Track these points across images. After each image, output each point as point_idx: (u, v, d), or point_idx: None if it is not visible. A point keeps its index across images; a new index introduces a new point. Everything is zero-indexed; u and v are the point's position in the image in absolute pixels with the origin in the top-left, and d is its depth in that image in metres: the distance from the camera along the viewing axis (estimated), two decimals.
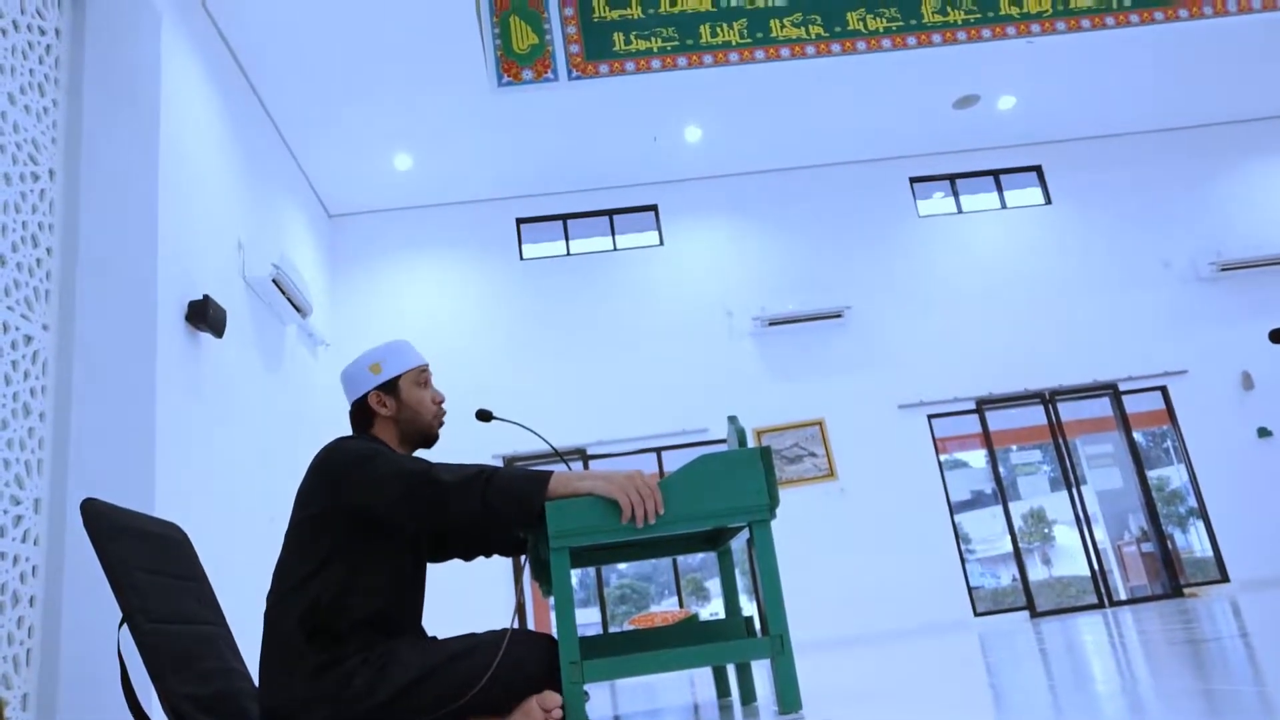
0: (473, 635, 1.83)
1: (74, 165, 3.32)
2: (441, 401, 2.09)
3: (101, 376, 3.26)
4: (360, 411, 2.06)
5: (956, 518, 8.83)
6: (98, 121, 3.46)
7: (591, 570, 8.86)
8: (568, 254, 9.52)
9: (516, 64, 6.33)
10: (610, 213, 9.65)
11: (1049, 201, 9.86)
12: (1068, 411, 9.28)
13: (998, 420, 9.37)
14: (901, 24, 6.44)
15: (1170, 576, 8.86)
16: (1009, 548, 9.01)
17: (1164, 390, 9.17)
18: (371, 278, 9.11)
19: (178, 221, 5.09)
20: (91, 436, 3.14)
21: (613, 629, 9.02)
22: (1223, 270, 9.27)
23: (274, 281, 6.42)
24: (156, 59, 4.13)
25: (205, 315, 5.15)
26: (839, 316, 9.06)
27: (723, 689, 2.47)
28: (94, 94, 3.46)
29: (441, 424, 2.08)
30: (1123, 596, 9.35)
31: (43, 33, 3.31)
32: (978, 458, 10.96)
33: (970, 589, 8.50)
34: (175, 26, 5.42)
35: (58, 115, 3.33)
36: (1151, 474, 9.77)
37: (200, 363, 5.29)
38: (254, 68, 6.81)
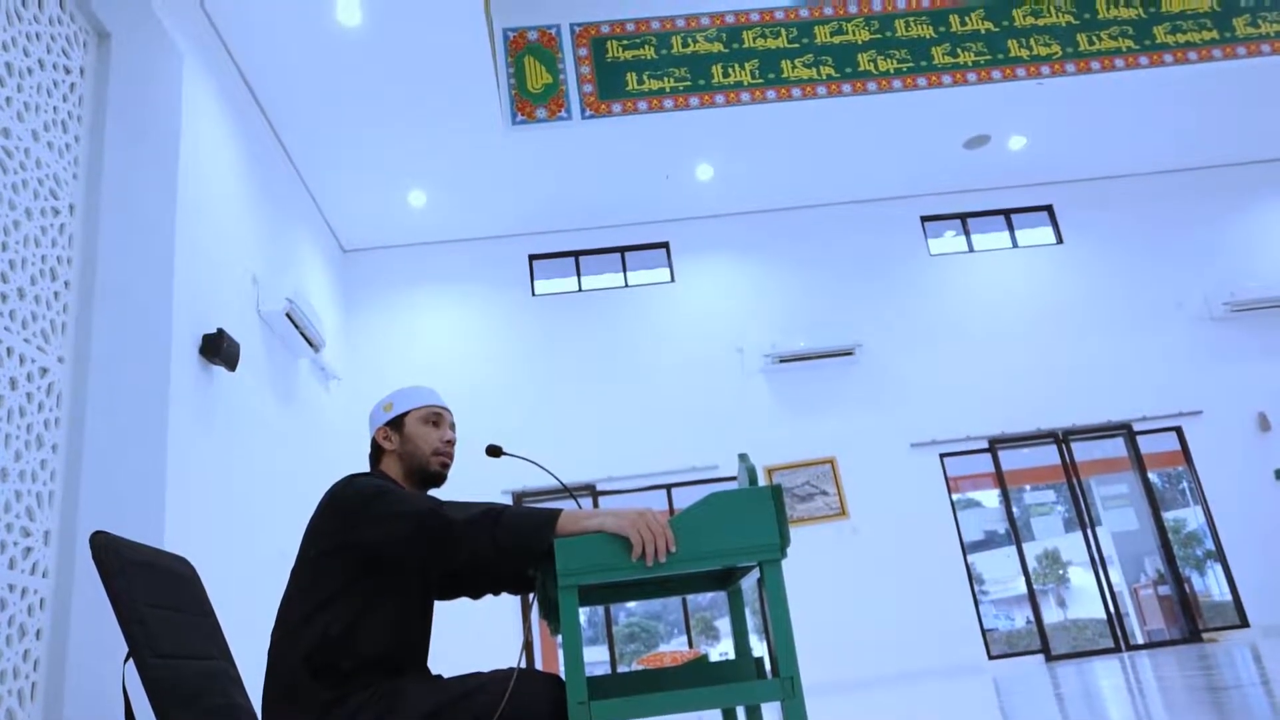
0: (479, 674, 1.80)
1: (94, 200, 3.36)
2: (449, 442, 2.10)
3: (114, 409, 3.27)
4: (373, 448, 2.10)
5: (969, 558, 8.73)
6: (118, 158, 3.51)
7: (600, 609, 8.79)
8: (579, 290, 9.57)
9: (530, 103, 6.42)
10: (622, 250, 9.71)
11: (1060, 241, 9.87)
12: (1081, 451, 9.20)
13: (1011, 460, 9.30)
14: (912, 65, 6.51)
15: (1188, 621, 8.71)
16: (1023, 589, 8.90)
17: (1179, 431, 9.09)
18: (384, 313, 9.16)
19: (194, 255, 5.15)
20: (103, 469, 3.14)
21: (621, 668, 8.92)
22: (1236, 310, 9.23)
23: (287, 315, 6.47)
24: (178, 98, 4.20)
25: (219, 349, 5.18)
26: (850, 354, 9.05)
27: None
28: (115, 131, 3.52)
29: (445, 464, 2.08)
30: (1139, 640, 9.20)
31: (68, 71, 3.38)
32: (991, 497, 10.87)
33: (984, 631, 8.37)
34: (197, 66, 5.53)
35: (79, 151, 3.39)
36: (1167, 515, 9.66)
37: (213, 396, 5.31)
38: (272, 105, 6.93)
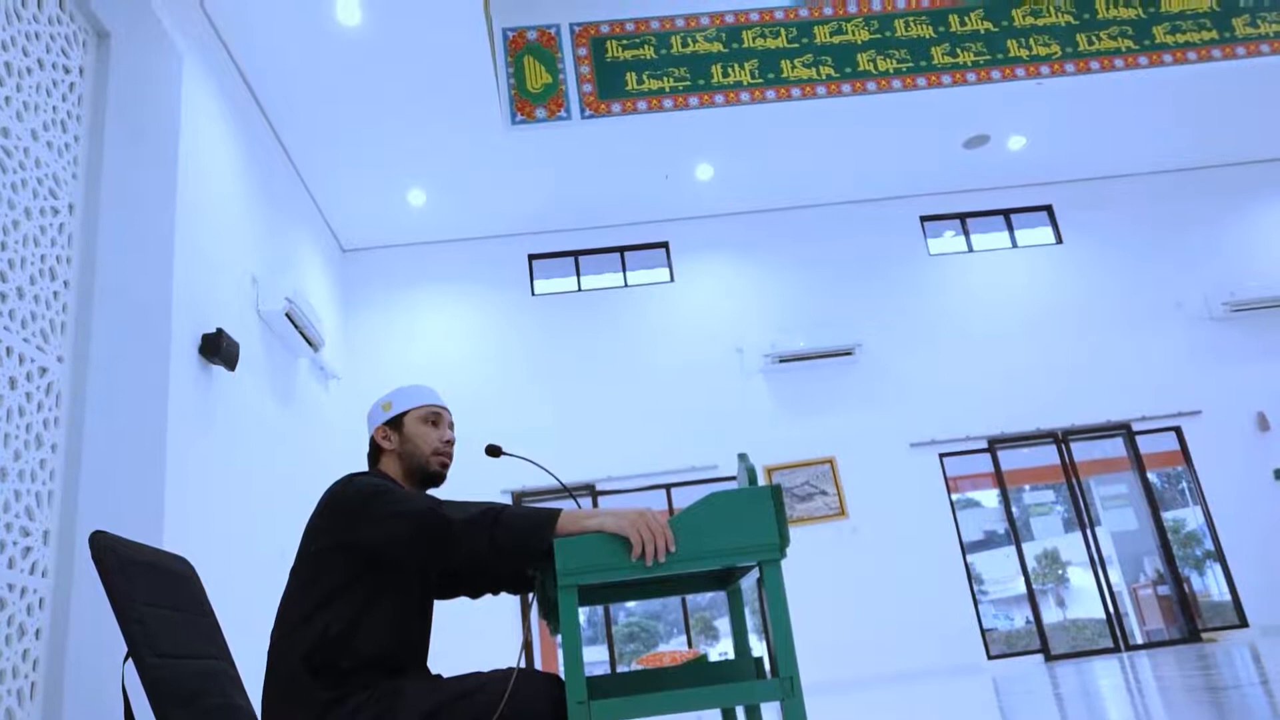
0: (479, 674, 1.80)
1: (93, 200, 3.36)
2: (449, 442, 2.09)
3: (114, 409, 3.27)
4: (372, 447, 2.10)
5: (969, 558, 8.73)
6: (118, 157, 3.51)
7: (600, 608, 8.79)
8: (579, 290, 9.57)
9: (530, 103, 6.42)
10: (622, 249, 9.70)
11: (1060, 241, 9.87)
12: (1081, 451, 9.21)
13: (1010, 460, 9.30)
14: (911, 65, 6.51)
15: (1187, 620, 8.71)
16: (1022, 589, 8.90)
17: (1178, 431, 9.09)
18: (383, 312, 9.16)
19: (193, 255, 5.15)
20: (102, 469, 3.14)
21: (620, 668, 8.92)
22: (1235, 310, 9.23)
23: (287, 315, 6.47)
24: (177, 97, 4.20)
25: (218, 348, 5.18)
26: (850, 354, 9.04)
27: None
28: (115, 130, 3.51)
29: (444, 464, 2.08)
30: (1139, 640, 9.20)
31: (67, 71, 3.38)
32: (990, 497, 10.86)
33: (983, 631, 8.37)
34: (197, 66, 5.53)
35: (79, 151, 3.39)
36: (1167, 515, 9.66)
37: (212, 395, 5.31)
38: (271, 105, 6.93)
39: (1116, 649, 8.56)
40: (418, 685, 1.79)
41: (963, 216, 9.99)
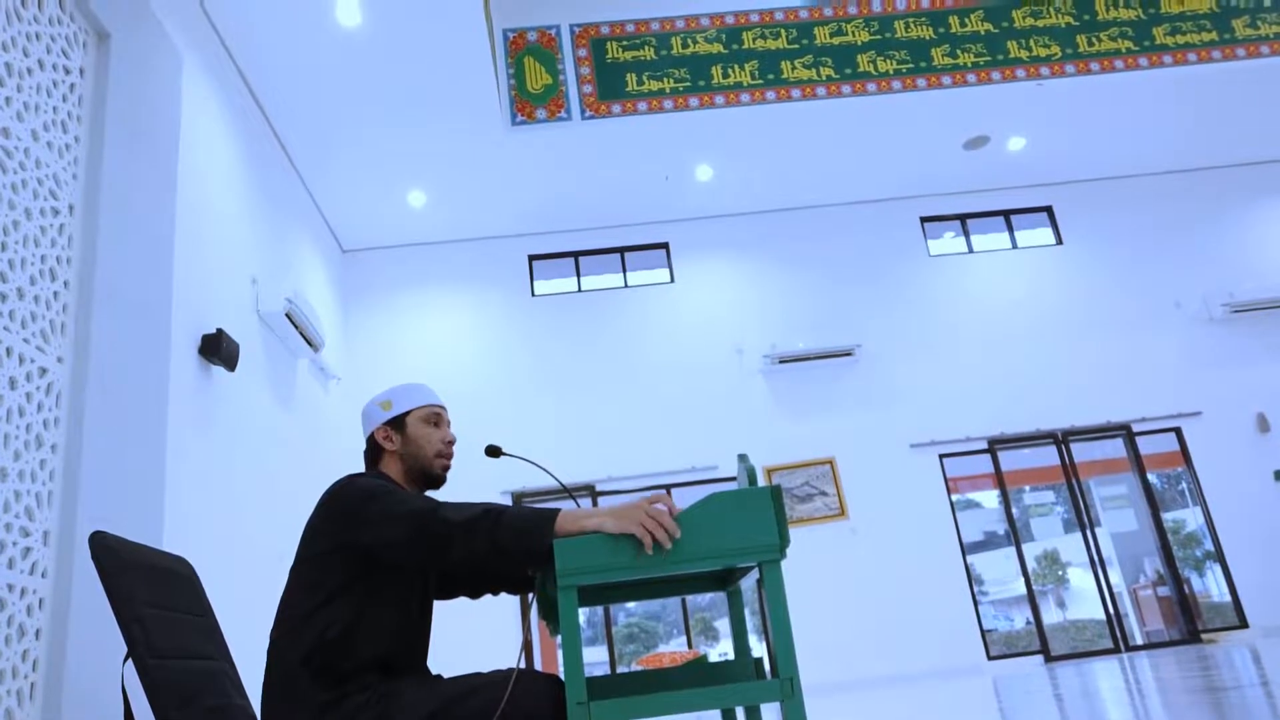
0: (478, 675, 1.80)
1: (93, 200, 3.36)
2: (450, 443, 2.09)
3: (114, 409, 3.27)
4: (370, 447, 2.08)
5: (969, 559, 8.73)
6: (118, 158, 3.51)
7: (600, 609, 8.79)
8: (579, 291, 9.57)
9: (530, 103, 6.42)
10: (622, 250, 9.71)
11: (1060, 242, 9.88)
12: (1081, 452, 9.20)
13: (1010, 460, 9.30)
14: (911, 66, 6.52)
15: (1188, 621, 8.71)
16: (1022, 590, 8.89)
17: (1178, 431, 9.09)
18: (384, 313, 9.16)
19: (193, 256, 5.15)
20: (102, 469, 3.14)
21: (620, 669, 8.91)
22: (1235, 311, 9.23)
23: (287, 315, 6.47)
24: (177, 98, 4.20)
25: (218, 349, 5.18)
26: (850, 355, 9.05)
27: None
28: (115, 131, 3.51)
29: (446, 466, 2.08)
30: (1139, 641, 9.20)
31: (67, 71, 3.38)
32: (990, 498, 10.87)
33: (983, 632, 8.37)
34: (197, 66, 5.53)
35: (79, 151, 3.39)
36: (1167, 516, 9.66)
37: (212, 396, 5.31)
38: (271, 105, 6.93)
39: (1116, 650, 8.56)
40: (417, 686, 1.79)
41: (963, 217, 9.99)
